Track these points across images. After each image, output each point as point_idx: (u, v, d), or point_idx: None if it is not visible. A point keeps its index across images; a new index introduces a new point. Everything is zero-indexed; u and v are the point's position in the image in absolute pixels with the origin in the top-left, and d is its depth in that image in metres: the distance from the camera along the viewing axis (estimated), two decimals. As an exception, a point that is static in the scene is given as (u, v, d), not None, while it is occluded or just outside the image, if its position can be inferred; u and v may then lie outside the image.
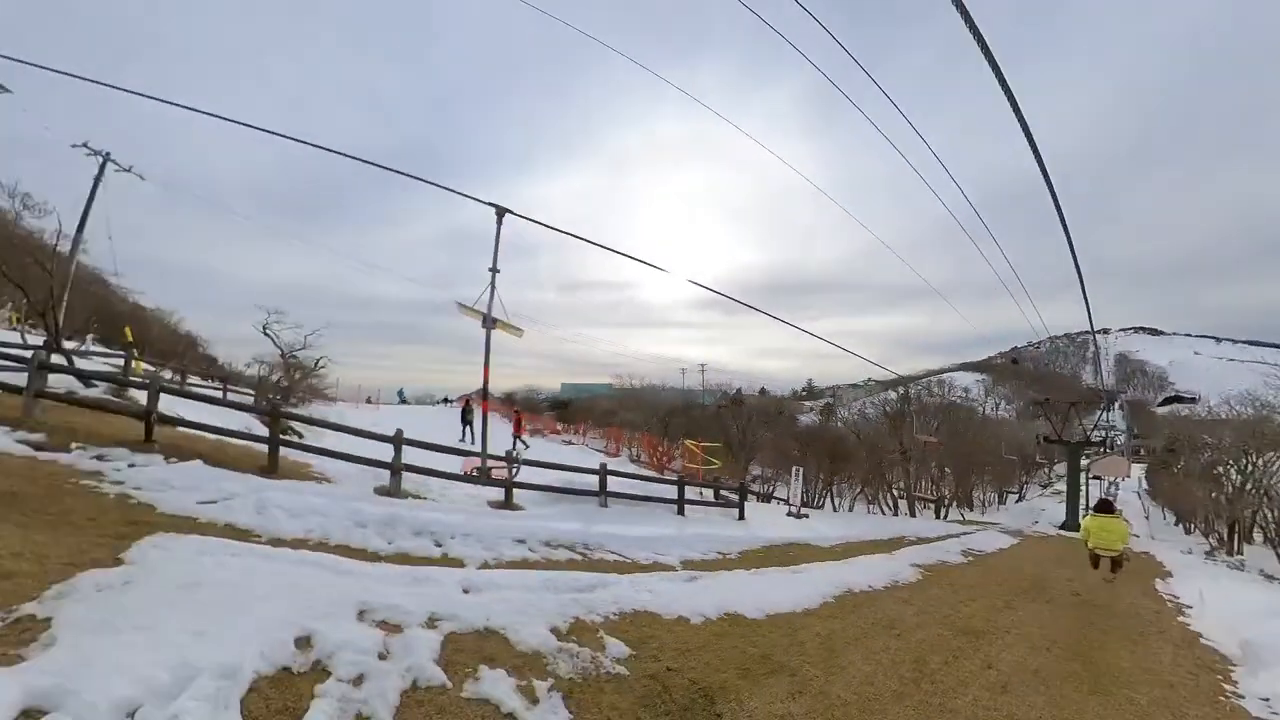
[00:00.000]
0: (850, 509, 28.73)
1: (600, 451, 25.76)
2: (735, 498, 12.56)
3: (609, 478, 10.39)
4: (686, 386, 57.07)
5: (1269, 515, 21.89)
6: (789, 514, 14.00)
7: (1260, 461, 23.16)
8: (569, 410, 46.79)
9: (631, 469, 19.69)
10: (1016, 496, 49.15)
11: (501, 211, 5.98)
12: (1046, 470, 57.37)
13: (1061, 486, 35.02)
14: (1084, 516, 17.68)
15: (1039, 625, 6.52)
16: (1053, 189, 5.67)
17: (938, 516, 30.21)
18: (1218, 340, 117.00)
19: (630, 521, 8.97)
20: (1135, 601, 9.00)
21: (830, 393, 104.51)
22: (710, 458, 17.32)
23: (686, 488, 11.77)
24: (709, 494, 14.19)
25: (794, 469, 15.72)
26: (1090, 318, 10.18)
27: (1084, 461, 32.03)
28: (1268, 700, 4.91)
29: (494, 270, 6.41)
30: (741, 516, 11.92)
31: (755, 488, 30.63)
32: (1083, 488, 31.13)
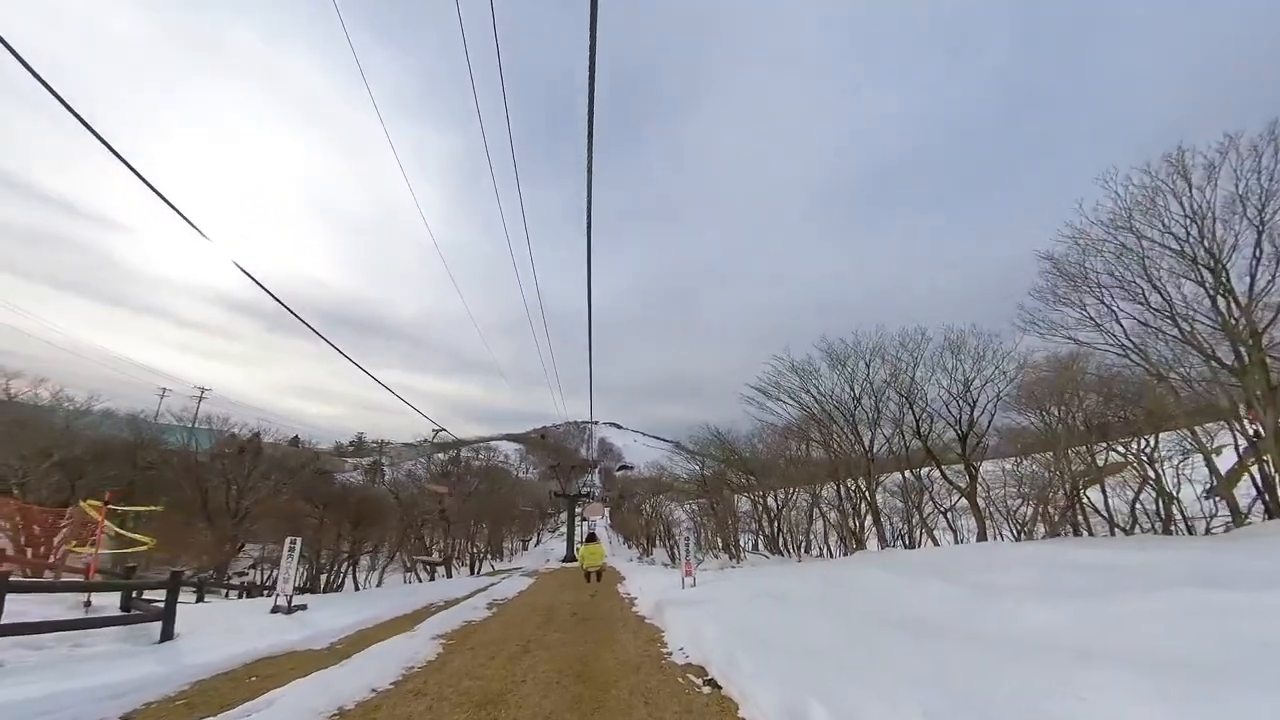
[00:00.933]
0: (379, 584, 25.26)
1: None
2: (160, 605, 7.71)
3: None
4: (159, 416, 36.07)
5: (661, 529, 38.52)
6: (275, 609, 10.01)
7: (659, 498, 41.18)
8: None
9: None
10: (535, 541, 60.85)
11: None
12: (556, 518, 72.03)
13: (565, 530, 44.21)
14: (578, 549, 22.27)
15: (551, 659, 6.70)
16: (591, 329, 7.99)
17: (473, 572, 30.85)
18: (643, 434, 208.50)
19: None
20: (609, 605, 11.70)
21: (379, 447, 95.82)
22: (133, 535, 10.65)
23: (17, 596, 6.42)
24: (116, 600, 8.46)
25: (287, 541, 11.22)
26: (591, 413, 16.46)
27: (578, 509, 43.20)
28: (682, 648, 6.76)
29: None
30: (168, 636, 7.32)
31: (250, 576, 22.50)
32: (578, 527, 40.98)
